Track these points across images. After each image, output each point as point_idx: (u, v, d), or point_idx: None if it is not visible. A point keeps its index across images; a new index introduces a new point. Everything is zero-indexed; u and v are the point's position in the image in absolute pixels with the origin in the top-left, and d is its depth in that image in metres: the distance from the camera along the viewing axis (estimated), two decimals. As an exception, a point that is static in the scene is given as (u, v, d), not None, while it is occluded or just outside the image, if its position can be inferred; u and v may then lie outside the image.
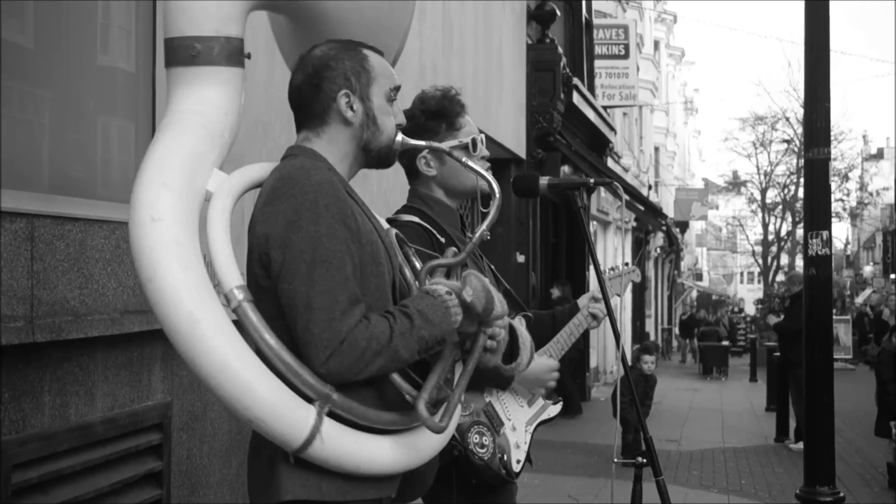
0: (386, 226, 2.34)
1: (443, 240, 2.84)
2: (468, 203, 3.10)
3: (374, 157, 2.26)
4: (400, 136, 2.27)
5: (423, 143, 2.40)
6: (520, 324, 2.84)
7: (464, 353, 2.20)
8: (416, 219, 2.88)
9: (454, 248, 2.35)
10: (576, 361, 13.95)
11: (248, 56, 2.29)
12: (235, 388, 1.92)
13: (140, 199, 2.03)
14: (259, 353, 1.98)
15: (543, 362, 3.07)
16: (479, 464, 2.80)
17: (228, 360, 1.92)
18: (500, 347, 2.28)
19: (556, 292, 13.39)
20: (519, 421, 2.99)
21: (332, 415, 1.98)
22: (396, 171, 3.05)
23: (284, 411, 1.94)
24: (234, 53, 2.23)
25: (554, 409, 3.13)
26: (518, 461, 2.93)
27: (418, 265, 2.32)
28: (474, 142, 2.94)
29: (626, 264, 3.47)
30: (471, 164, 2.41)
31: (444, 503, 2.91)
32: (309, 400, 1.97)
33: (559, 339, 3.20)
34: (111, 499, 3.35)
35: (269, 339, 1.97)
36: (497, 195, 2.33)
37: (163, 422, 3.72)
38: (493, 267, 3.18)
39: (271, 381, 1.94)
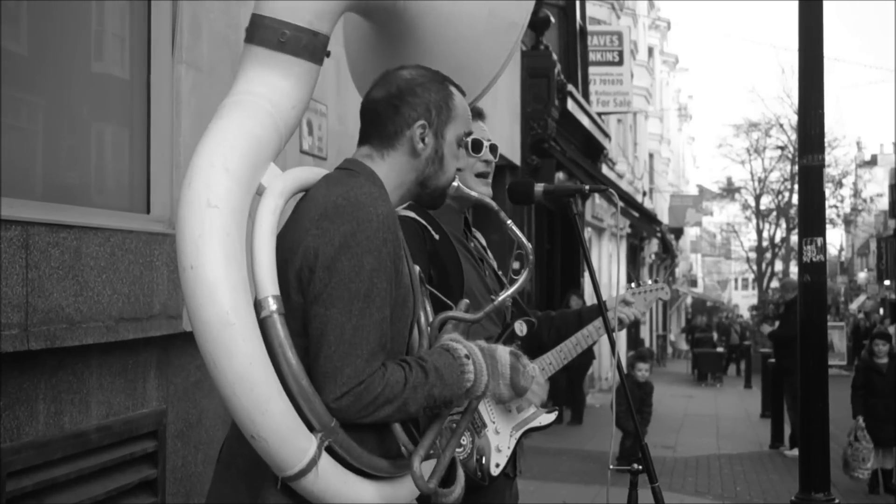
0: (416, 268, 2.28)
1: (437, 237, 2.85)
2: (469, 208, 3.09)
3: (427, 194, 2.21)
4: (456, 182, 2.24)
5: (474, 194, 2.40)
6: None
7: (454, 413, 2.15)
8: (412, 214, 2.91)
9: (466, 301, 2.29)
10: (584, 369, 13.94)
11: (328, 54, 2.23)
12: (250, 401, 1.85)
13: (198, 178, 1.92)
14: (276, 368, 1.92)
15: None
16: None
17: (252, 371, 1.84)
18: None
19: (575, 303, 13.35)
20: (504, 425, 2.96)
21: (328, 449, 1.95)
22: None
23: (289, 437, 1.88)
24: (318, 49, 2.16)
25: (547, 418, 3.06)
26: (497, 465, 2.89)
27: (430, 309, 2.27)
28: (476, 143, 2.96)
29: (655, 280, 3.33)
30: (508, 222, 2.43)
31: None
32: (310, 427, 1.92)
33: (562, 348, 3.12)
34: (106, 507, 3.34)
35: (292, 358, 1.90)
36: (531, 263, 2.32)
37: (158, 429, 3.71)
38: (498, 272, 3.15)
39: (284, 402, 1.89)
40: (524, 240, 2.37)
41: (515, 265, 2.54)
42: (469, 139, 2.96)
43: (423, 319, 2.20)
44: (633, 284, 3.32)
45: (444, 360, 2.02)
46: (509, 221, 2.38)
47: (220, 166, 1.93)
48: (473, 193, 2.35)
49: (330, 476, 1.95)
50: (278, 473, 1.93)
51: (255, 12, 2.15)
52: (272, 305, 1.90)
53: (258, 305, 1.90)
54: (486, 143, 2.99)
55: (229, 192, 1.92)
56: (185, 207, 1.91)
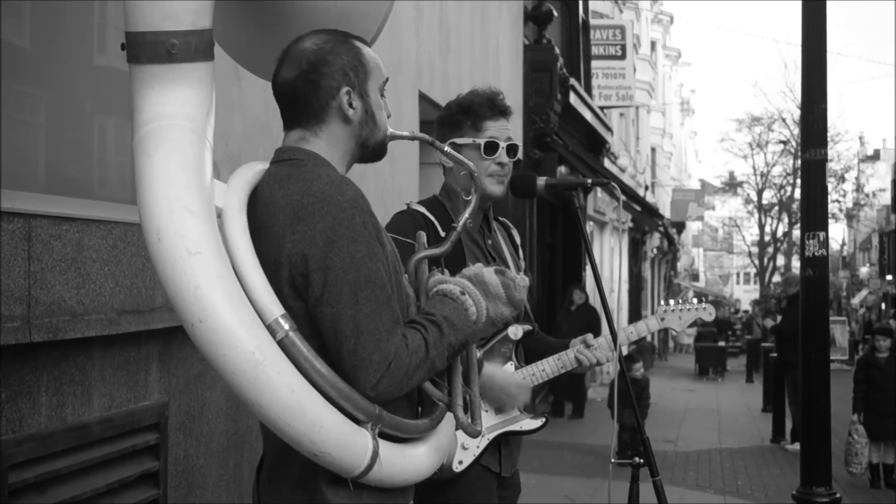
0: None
1: (443, 234, 2.84)
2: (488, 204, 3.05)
3: (369, 152, 2.21)
4: (389, 129, 2.22)
5: (407, 133, 2.32)
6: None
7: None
8: (422, 209, 2.92)
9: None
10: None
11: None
12: (305, 426, 1.86)
13: (165, 228, 1.85)
14: (308, 381, 1.92)
15: (510, 377, 2.96)
16: None
17: (297, 398, 1.85)
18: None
19: (578, 297, 13.33)
20: None
21: (379, 434, 1.98)
22: (394, 173, 3.05)
23: (348, 441, 1.90)
24: (209, 46, 2.05)
25: (530, 424, 2.99)
26: (461, 462, 2.85)
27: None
28: (490, 145, 2.94)
29: (702, 299, 3.23)
30: (446, 148, 2.37)
31: None
32: (357, 421, 1.94)
33: (543, 367, 3.05)
34: (108, 499, 3.35)
35: (321, 367, 1.91)
36: (478, 184, 2.32)
37: (159, 422, 3.72)
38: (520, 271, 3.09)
39: (333, 413, 1.90)
40: (467, 162, 2.36)
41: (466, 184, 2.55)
42: (483, 141, 2.96)
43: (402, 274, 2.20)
44: (672, 301, 3.27)
45: (448, 306, 2.05)
46: (447, 147, 2.38)
47: (182, 209, 1.87)
48: (405, 133, 2.32)
49: (391, 458, 1.99)
50: (346, 476, 1.95)
51: (130, 30, 1.98)
52: (284, 325, 1.90)
53: (270, 330, 1.89)
54: (502, 145, 2.98)
55: (202, 232, 1.87)
56: (164, 263, 1.86)
